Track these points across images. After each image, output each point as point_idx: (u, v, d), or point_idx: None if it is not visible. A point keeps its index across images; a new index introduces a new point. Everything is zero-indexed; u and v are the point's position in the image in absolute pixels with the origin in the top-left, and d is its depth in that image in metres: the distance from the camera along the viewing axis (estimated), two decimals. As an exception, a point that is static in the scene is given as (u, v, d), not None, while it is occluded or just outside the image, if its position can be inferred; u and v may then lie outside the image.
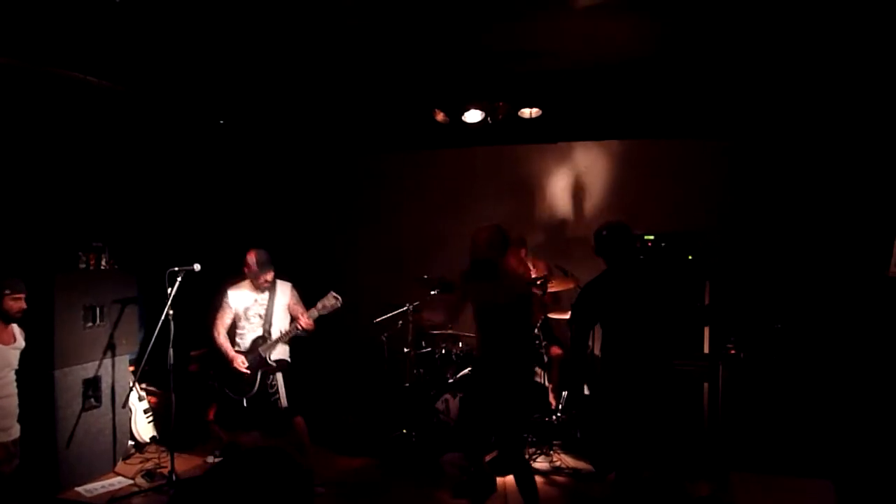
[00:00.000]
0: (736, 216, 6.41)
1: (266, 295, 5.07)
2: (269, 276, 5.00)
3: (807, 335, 5.41)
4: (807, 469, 4.98)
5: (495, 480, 4.88)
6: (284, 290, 5.14)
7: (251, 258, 4.98)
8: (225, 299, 5.11)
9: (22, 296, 4.27)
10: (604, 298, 4.06)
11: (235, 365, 4.95)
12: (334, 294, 4.90)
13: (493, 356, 4.15)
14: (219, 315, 5.12)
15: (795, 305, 5.80)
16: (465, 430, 4.68)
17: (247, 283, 5.10)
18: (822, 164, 6.12)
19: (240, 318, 5.10)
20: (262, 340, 4.99)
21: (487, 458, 4.72)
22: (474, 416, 4.42)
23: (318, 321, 4.96)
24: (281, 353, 5.06)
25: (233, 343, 5.10)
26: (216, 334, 5.09)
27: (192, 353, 6.20)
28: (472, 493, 4.67)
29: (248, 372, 4.95)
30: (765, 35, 4.53)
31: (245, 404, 5.00)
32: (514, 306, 4.10)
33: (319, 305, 4.91)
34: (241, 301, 5.08)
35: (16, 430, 4.31)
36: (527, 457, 5.33)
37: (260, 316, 5.05)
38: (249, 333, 5.06)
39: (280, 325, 5.03)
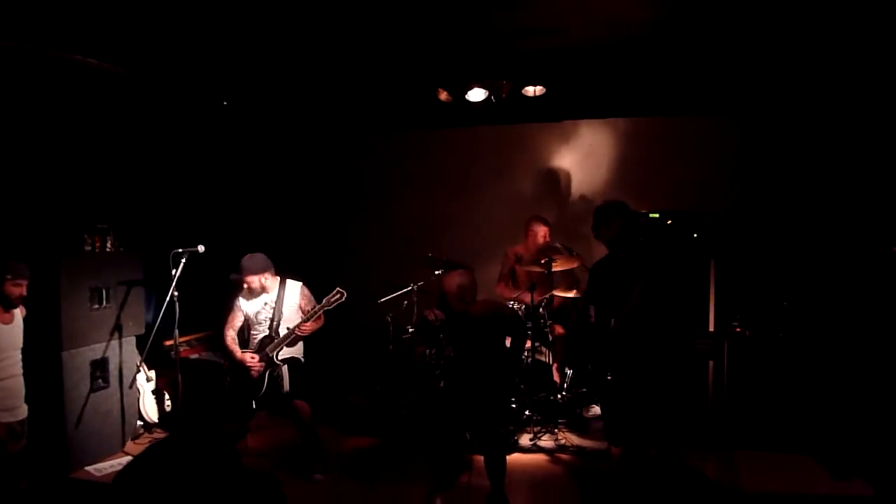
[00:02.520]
0: (742, 194, 6.36)
1: (274, 297, 4.99)
2: (250, 281, 4.88)
3: (813, 313, 5.39)
4: (810, 447, 5.01)
5: (467, 459, 4.96)
6: (294, 290, 5.02)
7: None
8: (236, 302, 5.04)
9: (23, 282, 4.21)
10: (609, 278, 4.11)
11: (247, 363, 4.86)
12: (340, 289, 4.83)
13: (466, 372, 4.45)
14: (229, 318, 5.06)
15: (802, 283, 5.77)
16: (442, 417, 4.92)
17: None
18: (829, 142, 6.07)
19: (252, 323, 5.03)
20: (269, 340, 4.91)
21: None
22: (449, 408, 4.69)
23: (325, 313, 4.90)
24: (289, 352, 4.96)
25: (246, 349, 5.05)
26: (225, 337, 5.03)
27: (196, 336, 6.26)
28: (440, 470, 4.73)
29: (260, 365, 4.85)
30: (771, 10, 4.45)
31: (255, 406, 4.97)
32: (490, 341, 4.40)
33: (325, 301, 4.84)
34: (251, 305, 5.00)
35: (23, 411, 4.33)
36: (512, 440, 5.42)
37: (269, 318, 4.96)
38: (260, 335, 4.98)
39: (289, 325, 4.92)
